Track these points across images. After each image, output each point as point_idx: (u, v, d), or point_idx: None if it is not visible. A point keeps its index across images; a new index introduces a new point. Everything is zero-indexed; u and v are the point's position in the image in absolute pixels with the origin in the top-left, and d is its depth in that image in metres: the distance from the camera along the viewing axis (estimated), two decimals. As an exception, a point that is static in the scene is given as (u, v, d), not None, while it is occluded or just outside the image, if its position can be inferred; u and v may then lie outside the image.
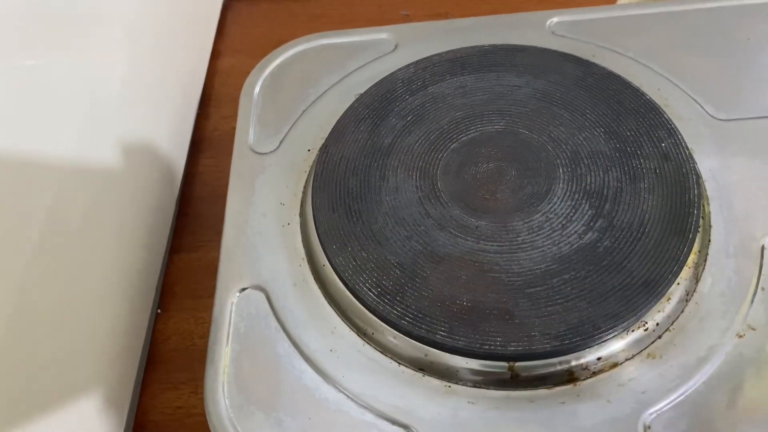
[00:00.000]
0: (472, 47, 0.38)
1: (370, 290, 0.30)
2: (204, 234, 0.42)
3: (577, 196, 0.32)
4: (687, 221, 0.30)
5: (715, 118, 0.35)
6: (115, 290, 0.35)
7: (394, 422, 0.28)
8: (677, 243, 0.30)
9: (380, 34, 0.42)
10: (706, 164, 0.34)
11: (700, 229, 0.31)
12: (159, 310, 0.39)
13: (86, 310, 0.33)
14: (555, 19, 0.41)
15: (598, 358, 0.28)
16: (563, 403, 0.28)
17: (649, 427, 0.27)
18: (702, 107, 0.36)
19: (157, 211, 0.41)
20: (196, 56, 0.49)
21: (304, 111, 0.39)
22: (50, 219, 0.30)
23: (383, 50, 0.41)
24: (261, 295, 0.32)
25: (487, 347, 0.28)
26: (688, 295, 0.29)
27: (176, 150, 0.44)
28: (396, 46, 0.41)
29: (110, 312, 0.35)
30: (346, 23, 0.52)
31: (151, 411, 0.36)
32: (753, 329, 0.29)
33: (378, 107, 0.36)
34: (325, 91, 0.39)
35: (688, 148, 0.33)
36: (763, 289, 0.30)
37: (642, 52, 0.38)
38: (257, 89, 0.41)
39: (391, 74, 0.38)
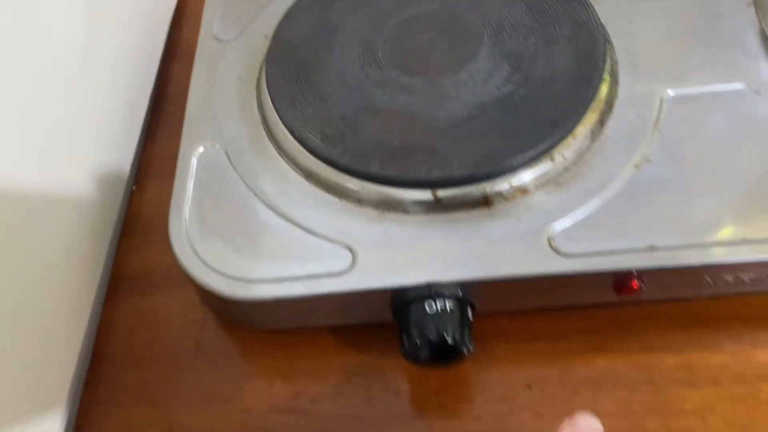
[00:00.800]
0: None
1: (314, 137, 0.34)
2: (179, 126, 0.46)
3: (498, 57, 0.36)
4: (593, 73, 0.34)
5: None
6: (94, 166, 0.39)
7: (335, 242, 0.32)
8: (583, 90, 0.34)
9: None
10: (618, 35, 0.38)
11: (606, 82, 0.35)
12: (134, 187, 0.43)
13: (69, 185, 0.36)
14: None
15: (510, 185, 0.32)
16: (479, 221, 0.32)
17: (553, 239, 0.31)
18: (615, -11, 0.40)
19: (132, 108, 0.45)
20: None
21: (263, 6, 0.43)
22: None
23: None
24: (221, 151, 0.36)
25: (414, 176, 0.32)
26: (593, 134, 0.34)
27: (149, 58, 0.48)
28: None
29: (88, 188, 0.38)
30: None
31: (126, 266, 0.40)
32: (648, 161, 0.33)
33: (324, 3, 0.40)
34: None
35: (599, 18, 0.37)
36: (659, 131, 0.34)
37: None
38: (223, -13, 0.45)
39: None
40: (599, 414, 0.24)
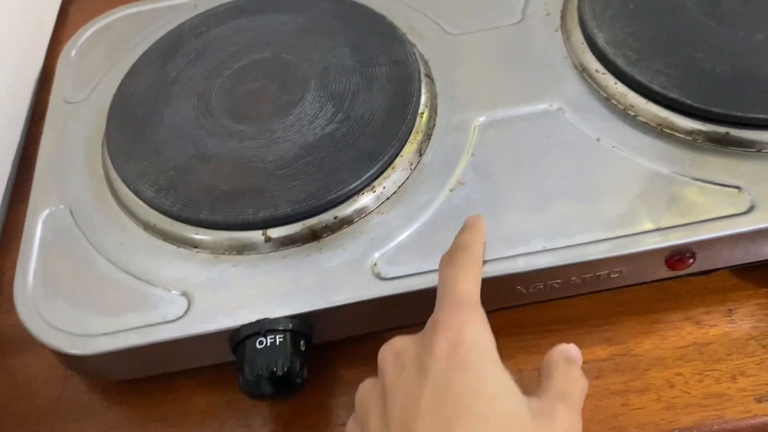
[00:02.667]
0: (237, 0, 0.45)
1: (148, 189, 0.36)
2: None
3: (323, 99, 0.38)
4: (408, 108, 0.37)
5: (449, 33, 0.42)
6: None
7: (171, 290, 0.33)
8: (400, 124, 0.36)
9: (180, -1, 0.48)
10: (439, 68, 0.41)
11: (424, 115, 0.37)
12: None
13: None
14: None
15: (335, 218, 0.34)
16: (309, 255, 0.34)
17: (375, 265, 0.33)
18: (441, 26, 0.43)
19: None
20: (35, 40, 0.54)
21: (111, 66, 0.44)
22: None
23: (186, 12, 0.47)
24: (66, 211, 0.37)
25: (243, 218, 0.34)
26: (411, 164, 0.36)
27: (13, 120, 0.49)
28: (195, 6, 0.47)
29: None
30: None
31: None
32: (462, 184, 0.35)
33: (167, 50, 0.42)
34: (131, 49, 0.45)
35: (417, 55, 0.40)
36: (472, 155, 0.36)
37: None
38: (73, 52, 0.46)
39: (181, 24, 0.44)
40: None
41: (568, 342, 0.29)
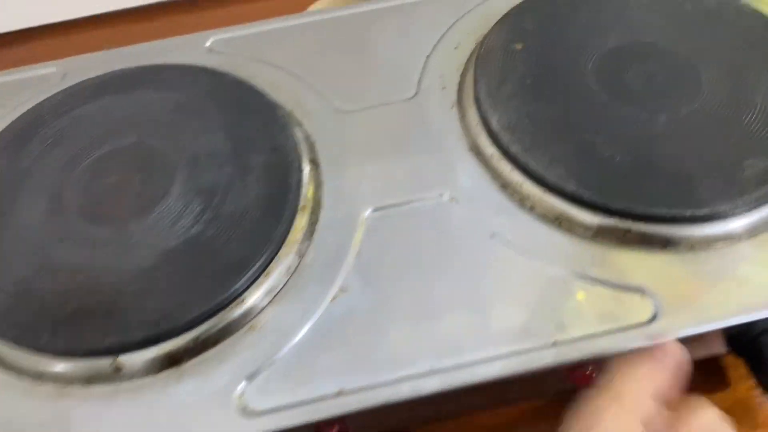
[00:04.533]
0: (118, 70, 0.40)
1: (-17, 310, 0.31)
2: None
3: (190, 194, 0.34)
4: (286, 206, 0.33)
5: (340, 110, 0.39)
6: None
7: (5, 432, 0.29)
8: (274, 224, 0.32)
9: (48, 69, 0.43)
10: (326, 152, 0.37)
11: (305, 211, 0.34)
12: None
13: None
14: (212, 39, 0.43)
15: (197, 340, 0.30)
16: (166, 386, 0.29)
17: (242, 396, 0.29)
18: (331, 102, 0.39)
19: None
20: None
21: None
22: None
23: (52, 83, 0.42)
24: None
25: (89, 344, 0.30)
26: (290, 269, 0.32)
27: None
28: (64, 77, 0.42)
29: None
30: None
31: None
32: (345, 291, 0.32)
33: (22, 135, 0.37)
34: (-12, 128, 0.40)
35: (297, 139, 0.36)
36: (358, 255, 0.33)
37: (288, 60, 0.42)
38: None
39: (40, 102, 0.39)
40: None
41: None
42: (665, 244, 0.31)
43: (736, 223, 0.31)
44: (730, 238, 0.31)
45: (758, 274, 0.30)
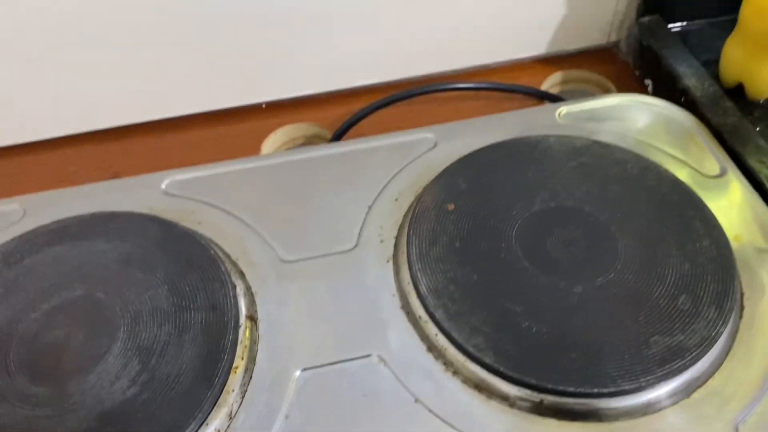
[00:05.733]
0: (73, 217, 0.42)
1: None
2: None
3: (130, 353, 0.36)
4: (218, 367, 0.35)
5: (283, 260, 0.41)
6: None
7: None
8: (205, 389, 0.34)
9: (11, 205, 0.45)
10: (266, 306, 0.39)
11: (236, 369, 0.35)
12: None
13: None
14: (167, 180, 0.46)
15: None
16: None
17: None
18: (275, 251, 0.41)
19: None
20: None
21: None
22: None
23: (12, 220, 0.44)
24: None
25: None
26: (232, 414, 0.34)
27: None
28: (24, 215, 0.44)
29: None
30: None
31: None
32: (272, 457, 0.33)
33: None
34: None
35: (235, 297, 0.38)
36: (287, 417, 0.34)
37: (238, 205, 0.44)
38: None
39: (-7, 249, 0.41)
40: None
41: None
42: (583, 415, 0.33)
43: (650, 395, 0.34)
44: (648, 408, 0.33)
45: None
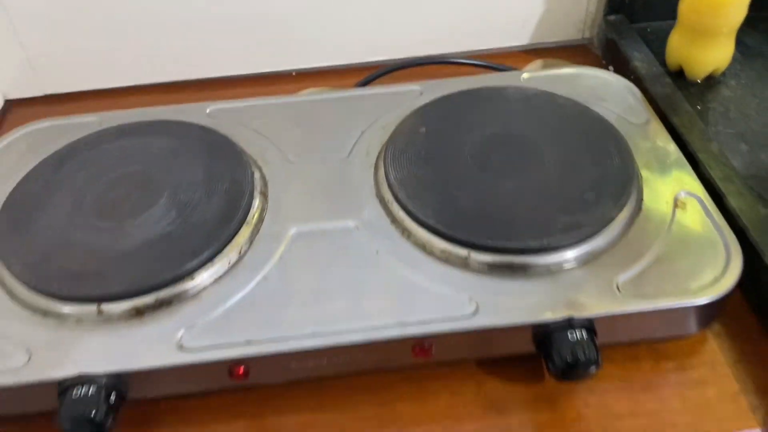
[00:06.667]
0: (136, 122, 0.56)
1: (16, 265, 0.45)
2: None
3: (170, 206, 0.48)
4: (234, 219, 0.47)
5: (290, 161, 0.53)
6: None
7: (17, 346, 0.42)
8: (224, 232, 0.46)
9: (90, 118, 0.59)
10: (275, 188, 0.51)
11: (249, 224, 0.47)
12: None
13: None
14: (210, 108, 0.59)
15: (156, 300, 0.43)
16: (131, 327, 0.42)
17: (181, 338, 0.42)
18: (285, 154, 0.54)
19: None
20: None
21: (21, 167, 0.54)
22: None
23: (92, 127, 0.58)
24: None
25: (82, 293, 0.43)
26: (230, 263, 0.46)
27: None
28: (100, 124, 0.58)
29: None
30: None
31: None
32: (266, 280, 0.45)
33: (62, 158, 0.53)
34: (40, 154, 0.55)
35: (253, 176, 0.50)
36: (280, 259, 0.46)
37: (261, 126, 0.57)
38: (-8, 154, 0.57)
39: (78, 139, 0.54)
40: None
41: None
42: (501, 270, 0.44)
43: (557, 257, 0.44)
44: (557, 267, 0.44)
45: (565, 290, 0.43)
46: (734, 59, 0.64)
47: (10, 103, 0.71)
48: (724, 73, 0.63)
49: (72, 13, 0.65)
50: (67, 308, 0.43)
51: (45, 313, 0.43)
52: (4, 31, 0.65)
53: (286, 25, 0.68)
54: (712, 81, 0.63)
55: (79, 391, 0.39)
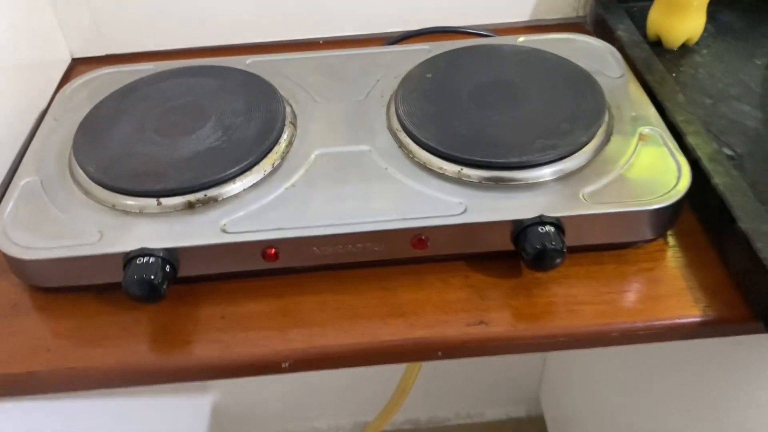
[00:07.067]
0: (188, 66, 0.66)
1: (90, 168, 0.55)
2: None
3: (217, 128, 0.58)
4: (269, 139, 0.57)
5: (316, 101, 0.63)
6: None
7: (94, 228, 0.52)
8: (262, 148, 0.56)
9: (148, 66, 0.69)
10: (303, 120, 0.61)
11: (282, 144, 0.57)
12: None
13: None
14: (250, 59, 0.69)
15: (205, 195, 0.53)
16: (185, 217, 0.52)
17: (225, 225, 0.51)
18: (312, 96, 0.64)
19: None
20: (48, 81, 0.75)
21: (89, 102, 0.65)
22: None
23: (147, 73, 0.68)
24: (38, 181, 0.56)
25: (144, 189, 0.53)
26: (265, 171, 0.55)
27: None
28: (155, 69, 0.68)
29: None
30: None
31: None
32: (294, 186, 0.54)
33: (125, 92, 0.63)
34: (104, 93, 0.65)
35: (286, 109, 0.60)
36: (306, 171, 0.56)
37: (293, 74, 0.67)
38: (68, 91, 0.67)
39: (138, 78, 0.65)
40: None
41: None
42: (479, 180, 0.53)
43: (535, 173, 0.53)
44: (536, 183, 0.53)
45: (539, 198, 0.52)
46: (708, 33, 0.73)
47: (75, 61, 0.82)
48: (697, 43, 0.72)
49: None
50: (131, 201, 0.53)
51: (113, 206, 0.53)
52: (76, -5, 0.76)
53: (317, -1, 0.79)
54: (686, 49, 0.72)
55: (141, 260, 0.49)
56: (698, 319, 0.50)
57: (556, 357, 1.23)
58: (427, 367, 0.96)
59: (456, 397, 1.38)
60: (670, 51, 0.72)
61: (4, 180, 0.63)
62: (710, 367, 0.64)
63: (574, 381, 1.15)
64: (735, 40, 0.73)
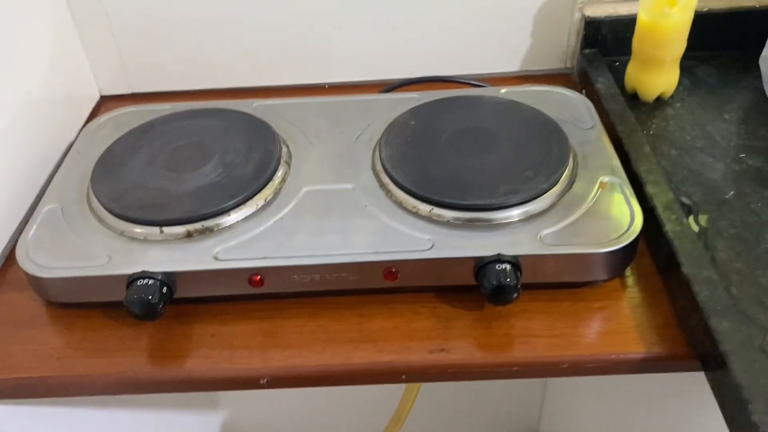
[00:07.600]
0: (197, 109, 0.74)
1: (105, 198, 0.62)
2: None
3: (217, 165, 0.65)
4: (264, 177, 0.63)
5: (311, 143, 0.70)
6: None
7: (103, 251, 0.59)
8: (256, 184, 0.62)
9: (165, 106, 0.77)
10: (297, 160, 0.68)
11: (275, 181, 0.64)
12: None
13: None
14: (256, 103, 0.77)
15: (202, 226, 0.60)
16: (183, 244, 0.59)
17: (217, 253, 0.58)
18: (307, 138, 0.70)
19: None
20: (77, 117, 0.83)
21: (111, 138, 0.72)
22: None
23: (164, 113, 0.76)
24: (59, 209, 0.64)
25: (149, 219, 0.60)
26: (258, 205, 0.62)
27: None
28: (172, 109, 0.76)
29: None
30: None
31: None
32: (282, 220, 0.61)
33: (141, 131, 0.70)
34: (124, 131, 0.73)
35: (282, 150, 0.67)
36: (295, 206, 0.62)
37: (293, 118, 0.74)
38: (93, 127, 0.75)
39: (154, 118, 0.72)
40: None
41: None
42: (448, 220, 0.59)
43: (502, 215, 0.59)
44: (502, 225, 0.58)
45: (501, 238, 0.57)
46: (684, 87, 0.78)
47: (103, 98, 0.90)
48: (672, 97, 0.77)
49: (160, 26, 0.84)
50: (138, 229, 0.60)
51: (122, 233, 0.60)
52: (106, 37, 0.84)
53: (323, 46, 0.86)
54: (660, 102, 0.77)
55: (142, 282, 0.56)
56: (642, 356, 0.55)
57: (556, 388, 1.26)
58: (427, 396, 1.00)
59: (455, 427, 1.41)
60: (645, 104, 0.77)
61: (31, 205, 0.70)
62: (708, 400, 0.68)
63: (573, 413, 1.18)
64: (708, 94, 0.78)
